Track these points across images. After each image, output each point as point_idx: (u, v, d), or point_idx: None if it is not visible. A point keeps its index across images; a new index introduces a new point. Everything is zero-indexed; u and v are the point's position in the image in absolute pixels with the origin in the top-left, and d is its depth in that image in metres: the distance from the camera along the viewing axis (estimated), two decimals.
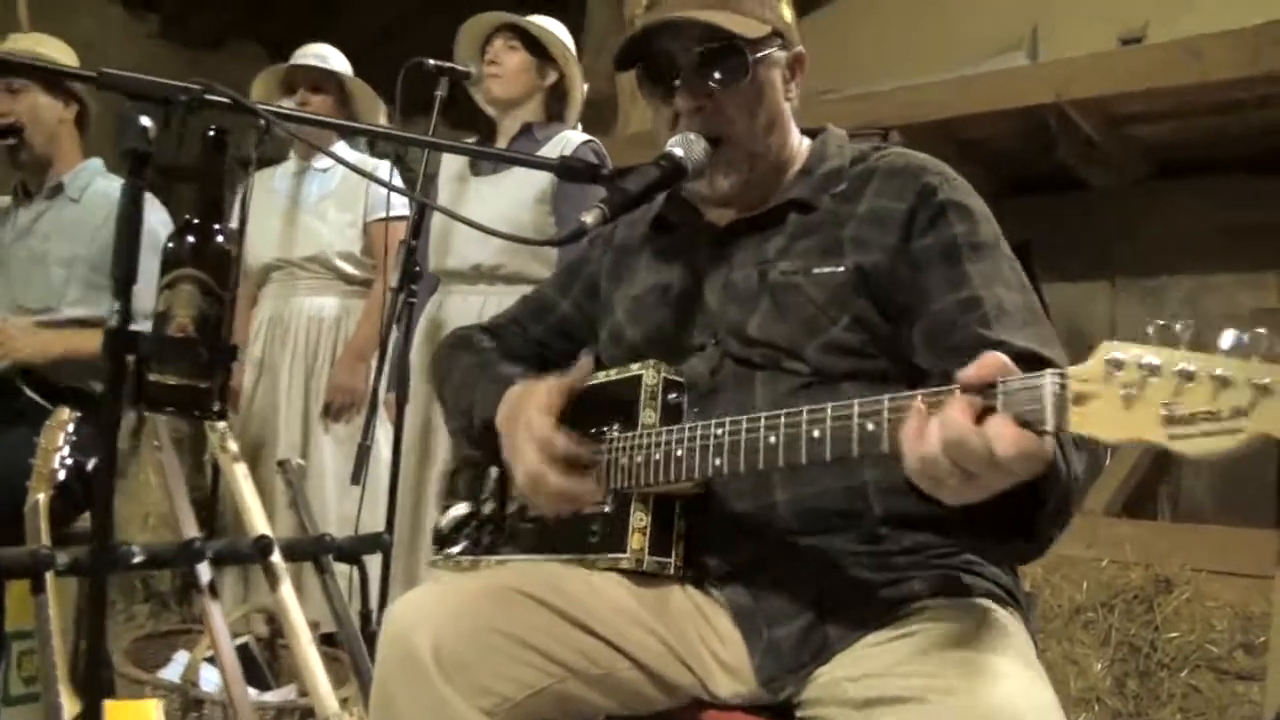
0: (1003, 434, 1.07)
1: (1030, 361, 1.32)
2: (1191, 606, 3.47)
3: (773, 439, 1.32)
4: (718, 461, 1.40)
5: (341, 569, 2.68)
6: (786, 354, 1.54)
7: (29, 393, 3.13)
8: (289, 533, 2.89)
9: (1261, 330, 0.96)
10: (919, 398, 1.16)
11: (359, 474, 2.80)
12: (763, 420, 1.34)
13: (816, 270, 1.54)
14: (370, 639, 2.50)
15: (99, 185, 3.40)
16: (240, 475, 2.57)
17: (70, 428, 2.50)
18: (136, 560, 2.33)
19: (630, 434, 1.54)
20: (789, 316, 1.54)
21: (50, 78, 3.26)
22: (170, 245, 1.71)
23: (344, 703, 2.41)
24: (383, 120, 3.90)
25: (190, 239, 1.72)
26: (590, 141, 3.38)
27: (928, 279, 1.51)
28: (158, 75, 1.61)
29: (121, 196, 1.60)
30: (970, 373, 1.12)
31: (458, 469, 1.89)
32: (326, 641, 2.83)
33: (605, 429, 1.58)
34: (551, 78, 3.48)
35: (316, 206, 3.94)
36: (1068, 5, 6.10)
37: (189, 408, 1.71)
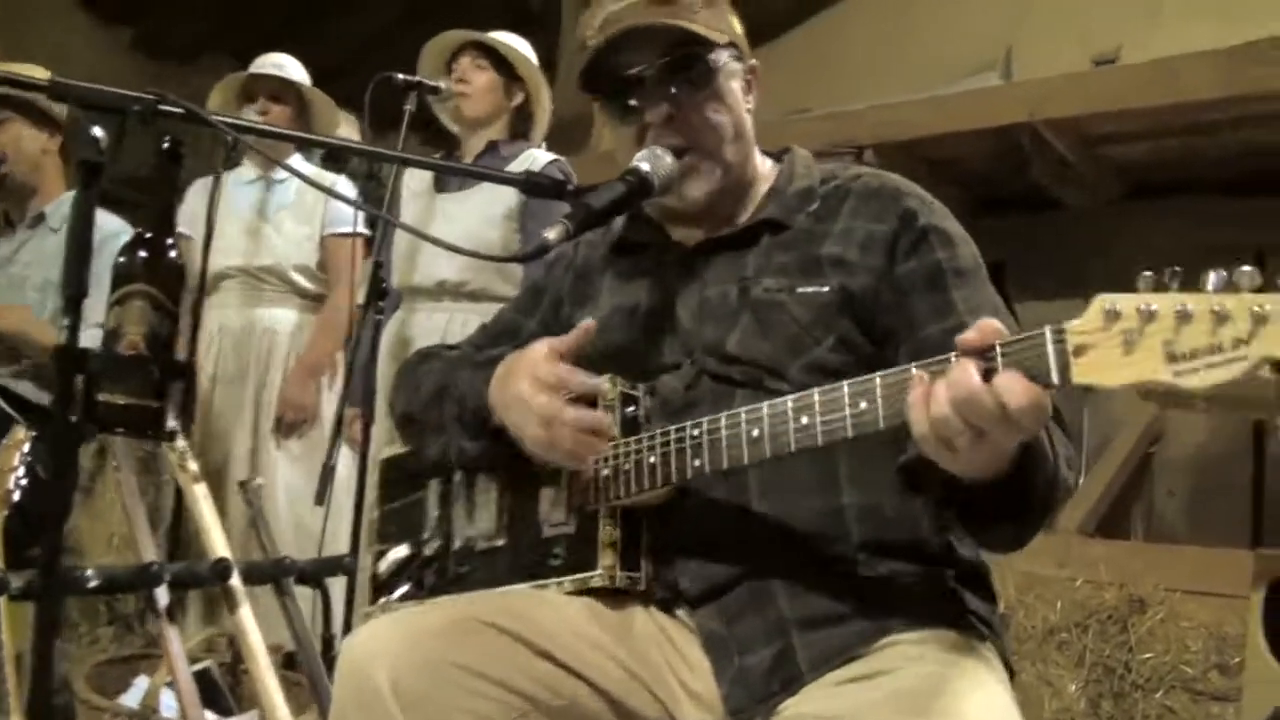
0: (1012, 387, 1.09)
1: None
2: (1166, 627, 3.46)
3: (756, 432, 1.32)
4: (697, 462, 1.38)
5: (306, 590, 2.64)
6: (768, 372, 1.51)
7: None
8: (251, 554, 2.84)
9: (1244, 267, 0.98)
10: (914, 368, 1.18)
11: (323, 494, 2.75)
12: (743, 415, 1.34)
13: (801, 289, 1.53)
14: (331, 663, 2.45)
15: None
16: (200, 496, 2.52)
17: (26, 447, 2.44)
18: (92, 585, 2.27)
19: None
20: (771, 334, 1.52)
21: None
22: (122, 260, 1.67)
23: None
24: (345, 132, 3.86)
25: (142, 253, 1.68)
26: (557, 160, 3.36)
27: (913, 305, 1.50)
28: (130, 89, 1.58)
29: (72, 210, 1.56)
30: (970, 335, 1.15)
31: (386, 513, 1.82)
32: (290, 664, 2.77)
33: None
34: (518, 98, 3.47)
35: (273, 217, 3.88)
36: (1041, 27, 6.13)
37: (140, 428, 1.66)
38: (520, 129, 3.49)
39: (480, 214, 3.28)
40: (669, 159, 1.58)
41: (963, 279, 1.51)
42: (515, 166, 3.27)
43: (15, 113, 3.34)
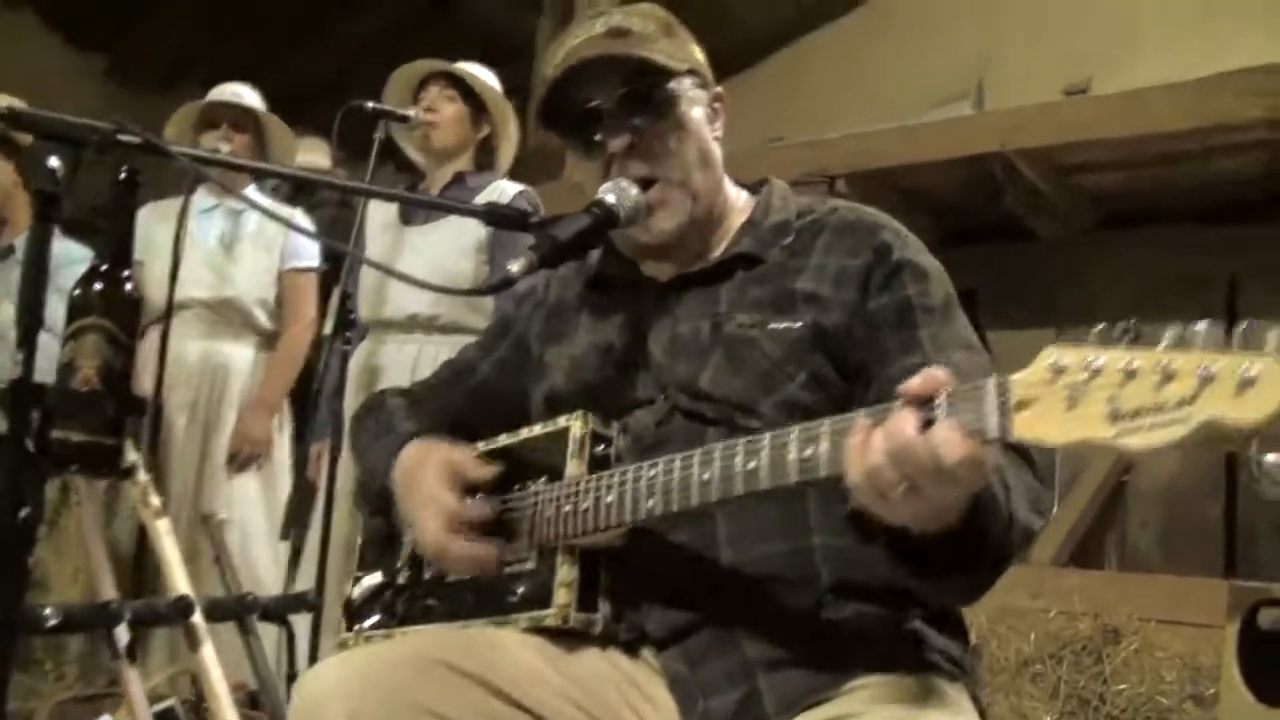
0: (948, 439, 1.07)
1: None
2: (1140, 657, 3.44)
3: (706, 475, 1.30)
4: (649, 503, 1.36)
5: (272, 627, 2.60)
6: (740, 410, 1.49)
7: None
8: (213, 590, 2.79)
9: (1200, 326, 0.96)
10: (860, 415, 1.17)
11: (288, 530, 2.72)
12: (697, 456, 1.32)
13: (773, 325, 1.51)
14: None
15: (53, 248, 3.33)
16: (162, 531, 2.48)
17: None
18: (50, 624, 2.23)
19: (555, 485, 1.49)
20: (744, 370, 1.50)
21: None
22: (77, 292, 1.64)
23: None
24: (315, 158, 3.84)
25: (98, 285, 1.65)
26: (525, 191, 3.36)
27: (883, 341, 1.49)
28: (104, 117, 1.57)
29: (27, 241, 1.54)
30: (914, 383, 1.13)
31: (367, 540, 1.81)
32: (254, 703, 2.73)
33: (530, 485, 1.53)
34: (485, 130, 3.47)
35: (231, 249, 3.86)
36: (1013, 58, 6.19)
37: (95, 466, 1.64)
38: (484, 161, 3.48)
39: (449, 246, 3.27)
40: (634, 191, 1.56)
41: (932, 316, 1.50)
42: (483, 198, 3.25)
43: None
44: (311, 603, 2.64)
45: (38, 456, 1.58)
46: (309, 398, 3.23)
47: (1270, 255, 4.84)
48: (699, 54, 1.68)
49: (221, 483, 3.68)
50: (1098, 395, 0.98)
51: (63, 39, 7.18)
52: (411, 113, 3.26)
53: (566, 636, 1.48)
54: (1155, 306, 5.07)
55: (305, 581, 2.87)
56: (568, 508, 1.46)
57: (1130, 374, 0.97)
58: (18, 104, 3.35)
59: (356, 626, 1.74)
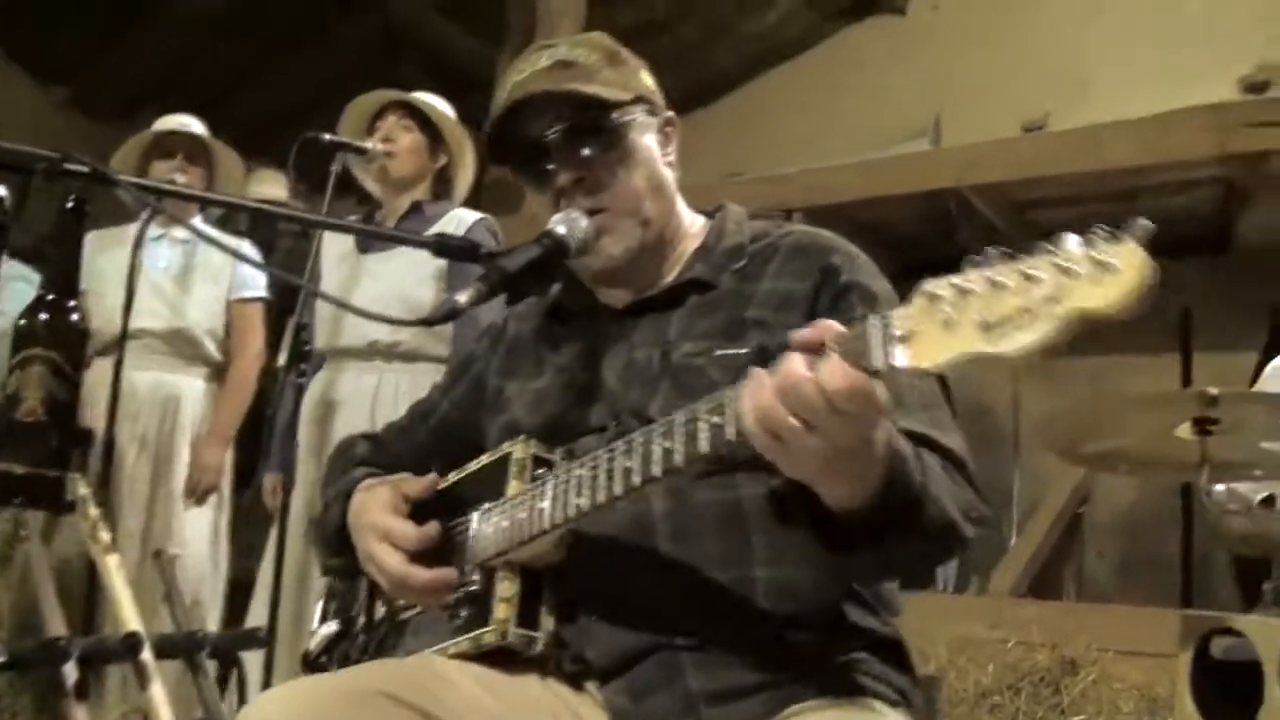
0: (833, 371, 1.10)
1: (922, 444, 1.33)
2: (1098, 688, 3.45)
3: (629, 463, 1.31)
4: (578, 500, 1.37)
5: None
6: None
7: None
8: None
9: (1065, 235, 0.98)
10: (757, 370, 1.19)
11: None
12: (619, 447, 1.33)
13: (720, 352, 1.50)
14: None
15: (18, 287, 3.33)
16: (112, 567, 2.45)
17: None
18: None
19: (495, 503, 1.49)
20: (691, 398, 1.48)
21: None
22: (22, 322, 1.62)
23: None
24: (274, 191, 3.82)
25: (44, 316, 1.64)
26: (484, 219, 3.33)
27: None
28: (64, 147, 1.56)
29: None
30: (805, 332, 1.16)
31: (328, 592, 1.81)
32: None
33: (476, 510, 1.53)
34: (442, 160, 3.46)
35: (179, 279, 3.83)
36: (971, 96, 6.27)
37: (38, 499, 1.61)
38: (443, 190, 3.47)
39: (408, 273, 3.24)
40: (584, 221, 1.56)
41: None
42: (441, 227, 3.23)
43: None
44: (262, 640, 2.60)
45: None
46: (259, 430, 3.20)
47: (1222, 288, 4.92)
48: (648, 80, 1.68)
49: (174, 516, 3.63)
50: (969, 313, 1.01)
51: (24, 70, 7.13)
52: (369, 145, 3.24)
53: (509, 665, 1.46)
54: (1112, 339, 5.11)
55: (257, 618, 2.83)
56: (505, 522, 1.46)
57: (997, 286, 1.00)
58: None
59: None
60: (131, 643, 2.35)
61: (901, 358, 1.06)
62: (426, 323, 1.53)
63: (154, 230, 3.77)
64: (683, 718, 1.39)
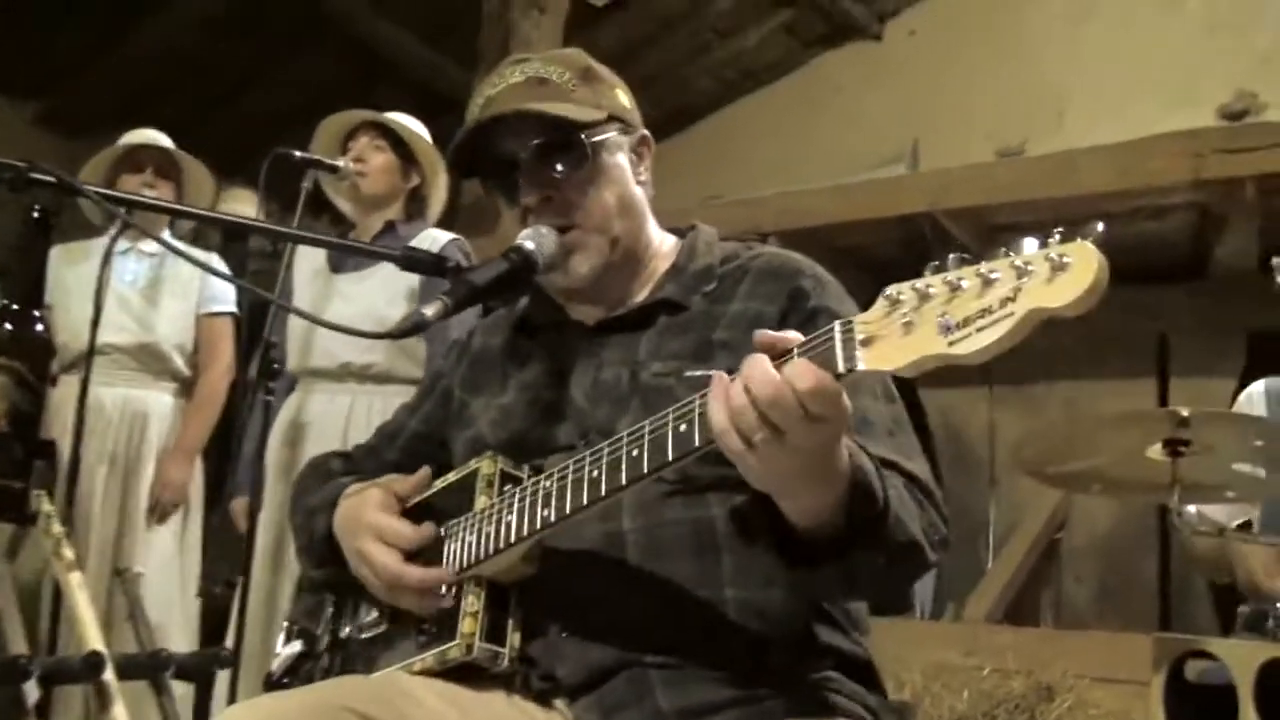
0: (800, 370, 1.12)
1: (888, 469, 1.34)
2: (1074, 715, 3.44)
3: (595, 472, 1.31)
4: (545, 512, 1.37)
5: None
6: None
7: None
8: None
9: (1024, 239, 1.02)
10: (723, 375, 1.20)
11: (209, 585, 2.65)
12: (587, 457, 1.33)
13: (689, 373, 1.48)
14: None
15: None
16: (75, 585, 2.41)
17: None
18: None
19: (463, 517, 1.48)
20: None
21: None
22: None
23: None
24: (245, 210, 3.79)
25: (7, 326, 1.61)
26: (457, 239, 3.32)
27: None
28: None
29: None
30: (768, 334, 1.18)
31: (294, 615, 1.77)
32: None
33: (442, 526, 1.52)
34: (414, 180, 3.45)
35: (147, 293, 3.77)
36: (947, 123, 6.30)
37: (0, 510, 1.58)
38: (416, 210, 3.46)
39: (381, 292, 3.23)
40: (553, 237, 1.56)
41: None
42: (415, 245, 3.22)
43: None
44: (226, 660, 2.56)
45: None
46: (228, 449, 3.16)
47: (1198, 314, 4.94)
48: (623, 98, 1.67)
49: (140, 534, 3.58)
50: (930, 315, 1.04)
51: None
52: (341, 163, 3.23)
53: (475, 681, 1.44)
54: (1086, 366, 5.14)
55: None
56: (472, 537, 1.45)
57: (956, 289, 1.02)
58: None
59: None
60: (94, 662, 2.31)
61: (863, 361, 1.09)
62: (393, 335, 1.51)
63: (121, 244, 3.74)
64: None
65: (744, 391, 1.14)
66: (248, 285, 3.94)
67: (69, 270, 3.56)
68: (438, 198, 3.48)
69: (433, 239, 3.28)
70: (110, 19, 6.45)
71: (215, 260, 3.72)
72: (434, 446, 1.76)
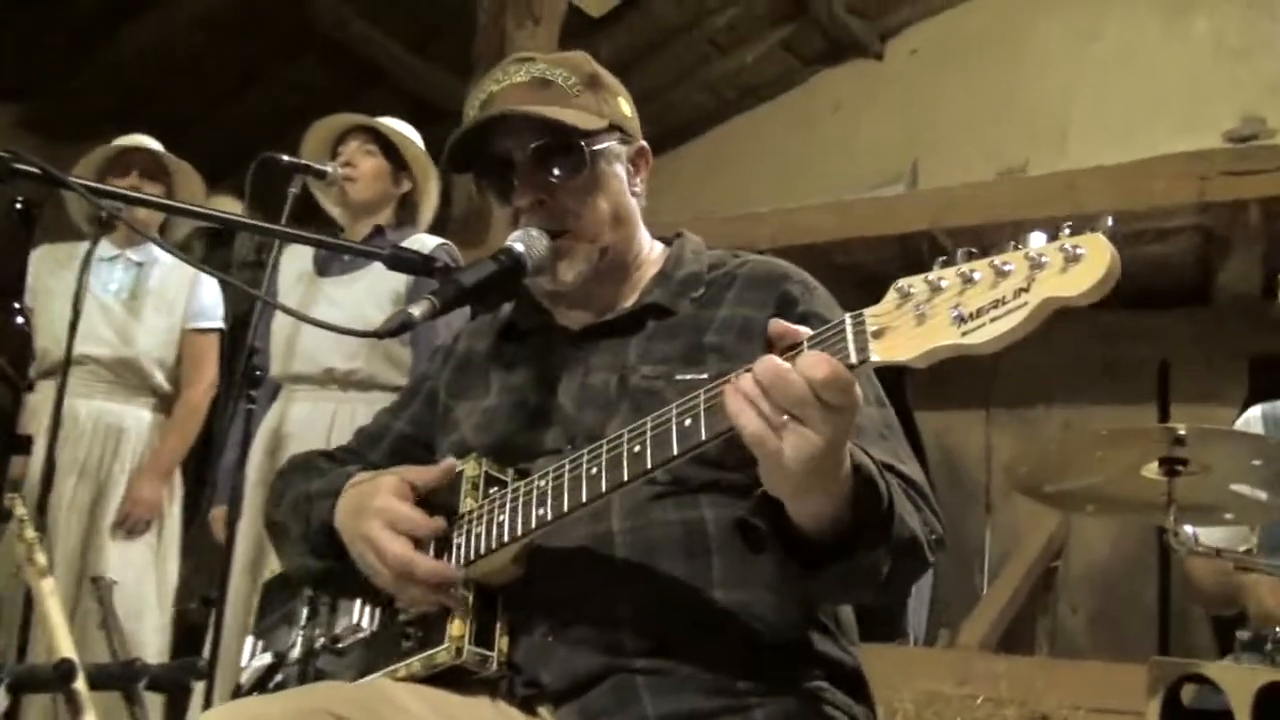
0: (814, 359, 1.13)
1: (884, 470, 1.34)
2: None
3: (594, 469, 1.32)
4: (541, 511, 1.36)
5: None
6: None
7: None
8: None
9: (1036, 232, 1.03)
10: (732, 377, 1.21)
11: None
12: (585, 454, 1.34)
13: (679, 377, 1.50)
14: None
15: None
16: (47, 591, 2.36)
17: None
18: None
19: (452, 519, 1.46)
20: None
21: None
22: None
23: None
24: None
25: None
26: (445, 244, 3.30)
27: None
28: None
29: None
30: (780, 325, 1.21)
31: (260, 633, 1.75)
32: None
33: None
34: (405, 186, 3.41)
35: (129, 304, 3.74)
36: (948, 143, 6.28)
37: None
38: (406, 216, 3.43)
39: (367, 297, 3.21)
40: (544, 240, 1.56)
41: None
42: None
43: None
44: (201, 671, 2.50)
45: None
46: (208, 460, 3.10)
47: (1200, 340, 4.90)
48: (625, 107, 1.68)
49: (107, 546, 3.52)
50: (942, 306, 1.05)
51: None
52: (329, 168, 3.20)
53: (460, 687, 1.42)
54: (1087, 391, 5.10)
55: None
56: (459, 540, 1.44)
57: (969, 280, 1.04)
58: None
59: None
60: (64, 670, 2.25)
61: (876, 352, 1.10)
62: (379, 334, 1.47)
63: (107, 251, 3.69)
64: None
65: (759, 387, 1.15)
66: (236, 282, 3.89)
67: (52, 273, 3.51)
68: (429, 204, 3.45)
69: (421, 244, 3.26)
70: (97, 22, 6.41)
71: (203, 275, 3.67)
72: (420, 449, 1.74)
